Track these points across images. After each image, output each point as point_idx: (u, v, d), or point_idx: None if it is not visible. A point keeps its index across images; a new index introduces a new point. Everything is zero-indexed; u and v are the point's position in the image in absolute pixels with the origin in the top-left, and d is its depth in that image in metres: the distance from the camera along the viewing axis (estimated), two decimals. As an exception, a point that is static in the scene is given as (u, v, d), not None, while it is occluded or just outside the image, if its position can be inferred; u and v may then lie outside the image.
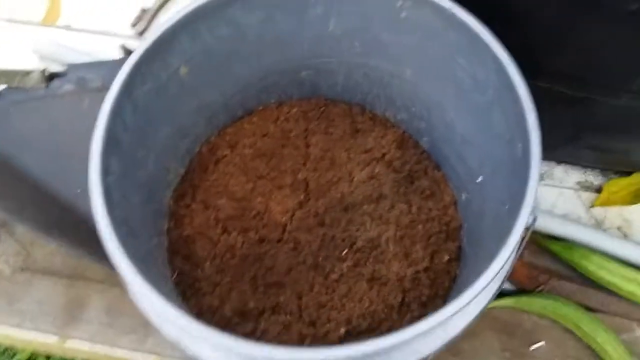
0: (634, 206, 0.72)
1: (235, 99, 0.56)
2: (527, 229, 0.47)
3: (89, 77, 0.75)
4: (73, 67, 0.75)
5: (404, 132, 0.58)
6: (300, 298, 0.49)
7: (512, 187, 0.41)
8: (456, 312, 0.34)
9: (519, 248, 0.44)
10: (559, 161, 0.75)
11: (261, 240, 0.52)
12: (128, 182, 0.43)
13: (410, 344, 0.36)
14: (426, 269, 0.51)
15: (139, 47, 0.43)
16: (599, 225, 0.72)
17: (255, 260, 0.51)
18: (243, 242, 0.52)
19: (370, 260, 0.51)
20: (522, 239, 0.45)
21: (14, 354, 0.93)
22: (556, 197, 0.74)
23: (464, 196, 0.54)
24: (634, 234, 0.71)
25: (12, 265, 0.71)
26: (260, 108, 0.59)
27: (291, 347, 0.32)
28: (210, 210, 0.54)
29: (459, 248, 0.53)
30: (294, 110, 0.59)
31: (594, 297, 0.67)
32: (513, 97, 0.41)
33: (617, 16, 0.41)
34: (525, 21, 0.48)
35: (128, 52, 0.72)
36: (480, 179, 0.49)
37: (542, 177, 0.75)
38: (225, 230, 0.52)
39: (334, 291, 0.50)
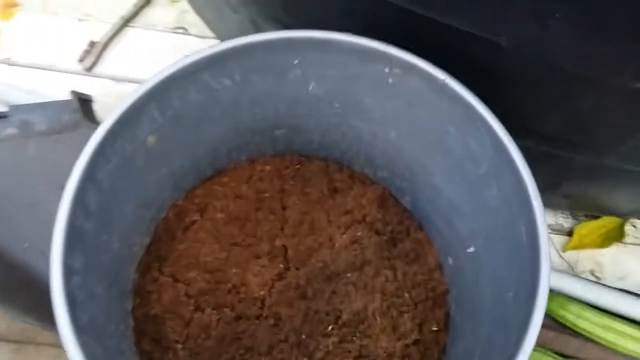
0: (604, 249, 0.73)
1: (204, 160, 0.52)
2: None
3: (34, 119, 0.68)
4: (16, 109, 0.69)
5: (384, 189, 0.56)
6: (284, 383, 0.46)
7: (517, 273, 0.38)
8: None
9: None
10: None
11: (238, 317, 0.48)
12: (92, 275, 0.38)
13: None
14: (415, 342, 0.49)
15: (102, 125, 0.38)
16: (571, 268, 0.72)
17: (232, 340, 0.47)
18: (218, 320, 0.47)
19: (357, 335, 0.48)
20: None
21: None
22: (528, 241, 0.73)
23: (451, 260, 0.52)
24: (606, 277, 0.72)
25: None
26: (232, 167, 0.54)
27: None
28: (180, 285, 0.49)
29: (447, 315, 0.51)
30: (268, 168, 0.55)
31: (572, 344, 0.67)
32: (514, 178, 0.39)
33: (618, 91, 0.40)
34: (508, 84, 0.47)
35: (79, 96, 0.66)
36: (471, 249, 0.47)
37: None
38: (198, 308, 0.48)
39: (319, 372, 0.47)
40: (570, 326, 0.67)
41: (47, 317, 0.57)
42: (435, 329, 0.50)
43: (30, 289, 0.61)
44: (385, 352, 0.48)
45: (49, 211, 0.65)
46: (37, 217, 0.65)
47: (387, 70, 0.43)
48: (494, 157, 0.41)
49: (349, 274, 0.51)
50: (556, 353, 0.66)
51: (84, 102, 0.66)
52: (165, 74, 0.40)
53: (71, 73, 0.79)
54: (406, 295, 0.51)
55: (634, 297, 0.68)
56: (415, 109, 0.45)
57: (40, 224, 0.64)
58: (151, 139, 0.43)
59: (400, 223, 0.55)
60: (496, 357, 0.37)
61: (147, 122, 0.41)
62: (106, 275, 0.42)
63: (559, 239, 0.74)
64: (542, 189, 0.66)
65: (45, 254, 0.61)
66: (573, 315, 0.66)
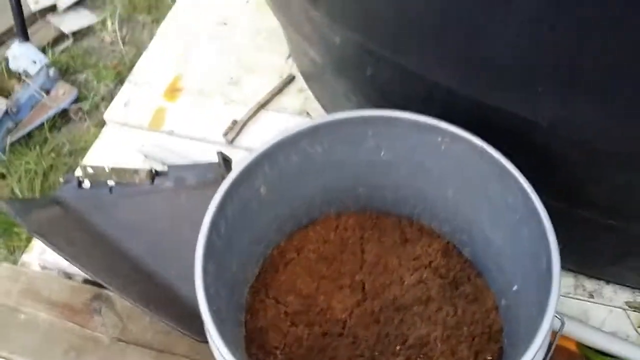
0: None
1: (301, 210, 0.67)
2: (555, 332, 0.54)
3: (186, 176, 0.89)
4: (173, 168, 0.90)
5: (448, 242, 0.67)
6: (357, 387, 0.57)
7: (539, 295, 0.48)
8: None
9: (548, 351, 0.50)
10: (608, 281, 0.81)
11: (324, 334, 0.60)
12: (219, 281, 0.53)
13: None
14: (470, 366, 0.58)
15: (232, 173, 0.55)
16: None
17: (319, 351, 0.59)
18: (309, 335, 0.60)
19: (421, 356, 0.58)
20: (551, 343, 0.52)
21: None
22: (606, 315, 0.78)
23: (503, 302, 0.61)
24: None
25: (110, 336, 0.82)
26: (322, 217, 0.69)
27: None
28: (280, 306, 0.63)
29: (501, 349, 0.60)
30: (351, 220, 0.69)
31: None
32: (536, 220, 0.49)
33: None
34: (553, 163, 0.57)
35: (223, 157, 0.86)
36: (515, 287, 0.57)
37: (592, 295, 0.80)
38: (293, 324, 0.61)
39: (387, 383, 0.57)
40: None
41: (185, 325, 0.74)
42: (489, 358, 0.59)
43: (173, 304, 0.78)
44: (443, 372, 0.57)
45: (192, 248, 0.83)
46: (182, 251, 0.83)
47: (439, 139, 0.57)
48: (522, 206, 0.52)
49: (415, 307, 0.62)
50: None
51: (225, 162, 0.85)
52: (276, 140, 0.56)
53: (217, 144, 1.00)
54: (465, 328, 0.61)
55: None
56: (465, 170, 0.58)
57: (185, 257, 0.82)
58: (263, 189, 0.59)
59: (461, 270, 0.65)
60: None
61: (260, 176, 0.58)
62: (227, 287, 0.56)
63: (636, 316, 0.78)
64: (609, 262, 0.74)
65: (186, 280, 0.79)
66: None
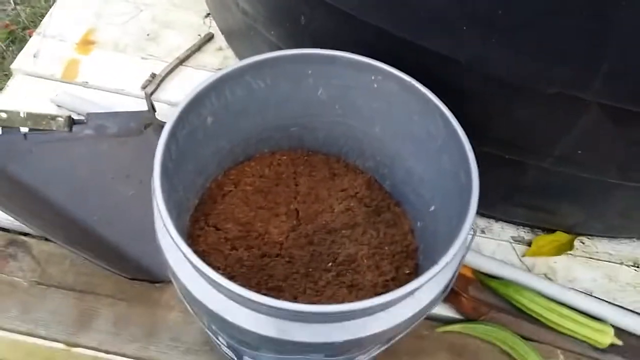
0: (557, 257, 0.90)
1: (239, 147, 0.71)
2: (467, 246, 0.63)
3: (107, 124, 0.89)
4: (92, 116, 0.90)
5: (370, 177, 0.75)
6: (295, 298, 0.62)
7: (459, 207, 0.57)
8: (414, 290, 0.49)
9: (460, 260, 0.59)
10: (497, 219, 0.93)
11: (263, 255, 0.65)
12: (171, 200, 0.56)
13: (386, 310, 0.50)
14: (393, 279, 0.66)
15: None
16: (529, 270, 0.89)
17: (259, 269, 0.64)
18: (249, 256, 0.65)
19: (350, 271, 0.65)
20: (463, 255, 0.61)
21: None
22: (495, 247, 0.91)
23: (419, 224, 0.70)
24: (558, 280, 0.88)
25: (28, 279, 0.81)
26: (258, 155, 0.74)
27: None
28: (220, 232, 0.67)
29: (416, 265, 0.68)
30: (284, 157, 0.74)
31: (526, 327, 0.83)
32: (457, 142, 0.58)
33: (539, 97, 0.59)
34: (469, 98, 0.66)
35: (151, 103, 0.87)
36: (432, 208, 0.66)
37: (483, 231, 0.93)
38: (233, 247, 0.65)
39: (321, 294, 0.63)
40: (524, 309, 0.83)
41: (111, 264, 0.75)
42: (407, 272, 0.67)
43: (99, 246, 0.79)
44: (370, 284, 0.65)
45: (115, 194, 0.84)
46: (106, 198, 0.84)
47: (372, 78, 0.64)
48: (445, 134, 0.60)
49: (344, 231, 0.69)
50: (514, 333, 0.82)
51: (153, 109, 0.87)
52: (223, 72, 0.60)
53: (135, 97, 1.00)
54: (386, 248, 0.68)
55: (575, 291, 0.85)
56: (393, 106, 0.65)
57: (108, 203, 0.83)
58: (209, 119, 0.63)
59: (382, 200, 0.73)
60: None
61: (208, 105, 0.61)
62: (175, 207, 0.59)
63: (520, 248, 0.92)
64: (500, 199, 0.85)
65: (110, 224, 0.80)
66: (526, 299, 0.83)
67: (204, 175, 0.68)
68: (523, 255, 0.90)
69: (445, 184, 0.62)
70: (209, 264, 0.63)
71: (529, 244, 0.91)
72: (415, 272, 0.68)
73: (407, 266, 0.68)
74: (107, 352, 0.78)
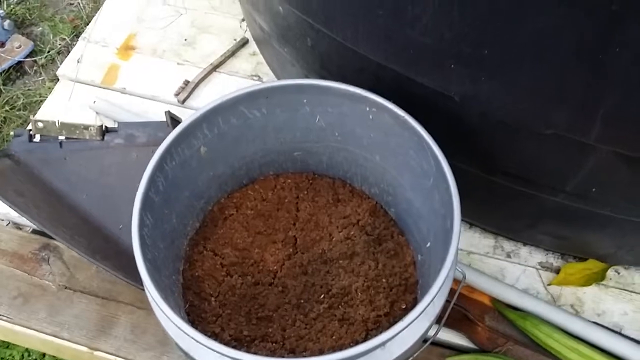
0: (586, 288, 0.84)
1: (241, 171, 0.71)
2: (459, 281, 0.61)
3: (137, 134, 0.92)
4: (123, 125, 0.93)
5: (376, 203, 0.73)
6: (284, 330, 0.63)
7: (444, 251, 0.54)
8: (389, 339, 0.48)
9: (449, 300, 0.57)
10: (524, 243, 0.88)
11: (256, 283, 0.66)
12: (157, 232, 0.58)
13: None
14: (386, 314, 0.64)
15: (171, 134, 0.59)
16: (554, 301, 0.83)
17: (250, 298, 0.65)
18: (242, 284, 0.66)
19: (342, 304, 0.65)
20: (454, 291, 0.59)
21: None
22: (520, 273, 0.86)
23: (419, 257, 0.68)
24: (585, 312, 0.82)
25: (57, 283, 0.86)
26: (262, 178, 0.74)
27: None
28: (217, 257, 0.68)
29: (415, 299, 0.66)
30: (288, 181, 0.74)
31: (544, 362, 0.79)
32: (445, 184, 0.55)
33: (540, 136, 0.55)
34: (470, 131, 0.63)
35: (171, 117, 0.89)
36: (428, 244, 0.63)
37: (509, 255, 0.88)
38: (228, 274, 0.66)
39: (311, 327, 0.63)
40: (541, 344, 0.79)
41: (130, 276, 0.78)
42: (403, 307, 0.65)
43: (121, 256, 0.83)
44: (361, 318, 0.64)
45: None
46: (130, 206, 0.87)
47: (367, 109, 0.62)
48: (435, 172, 0.58)
49: (341, 261, 0.68)
50: None
51: (174, 122, 0.89)
52: (214, 103, 0.60)
53: (168, 104, 1.03)
54: (384, 280, 0.67)
55: (601, 327, 0.79)
56: (390, 138, 0.63)
57: (132, 212, 0.86)
58: (202, 149, 0.64)
59: (386, 228, 0.71)
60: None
61: (200, 136, 0.62)
62: (165, 238, 0.61)
63: (547, 275, 0.86)
64: (525, 227, 0.81)
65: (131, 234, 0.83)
66: (544, 335, 0.78)
67: (204, 199, 0.69)
68: (549, 284, 0.85)
69: (437, 222, 0.60)
70: (203, 290, 0.65)
71: (558, 271, 0.86)
72: (413, 307, 0.66)
73: (404, 301, 0.66)
74: (125, 358, 0.82)
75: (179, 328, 0.48)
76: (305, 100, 0.63)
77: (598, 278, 0.84)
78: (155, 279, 0.52)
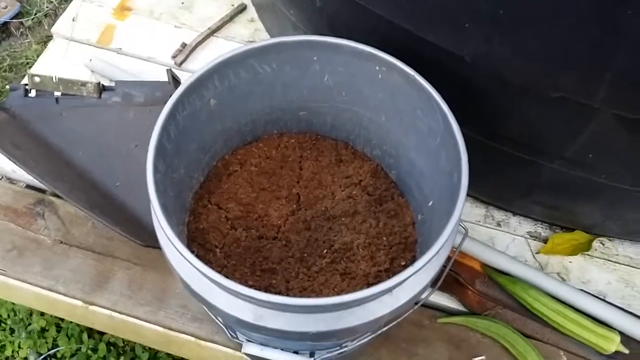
0: (572, 257, 0.88)
1: (247, 127, 0.72)
2: (454, 249, 0.63)
3: (134, 93, 0.92)
4: (120, 83, 0.93)
5: (377, 165, 0.74)
6: (288, 282, 0.64)
7: (450, 206, 0.56)
8: (397, 285, 0.49)
9: (449, 258, 0.59)
10: (515, 213, 0.91)
11: (260, 237, 0.67)
12: (167, 180, 0.58)
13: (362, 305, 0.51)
14: (386, 270, 0.66)
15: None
16: (542, 269, 0.86)
17: (255, 251, 0.66)
18: (246, 237, 0.67)
19: (344, 259, 0.66)
20: (450, 257, 0.61)
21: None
22: (509, 242, 0.89)
23: (419, 217, 0.69)
24: (571, 280, 0.86)
25: (52, 238, 0.86)
26: (266, 136, 0.75)
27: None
28: (221, 211, 0.68)
29: (413, 257, 0.68)
30: (292, 140, 0.75)
31: (531, 326, 0.82)
32: (453, 142, 0.57)
33: (544, 99, 0.57)
34: (476, 94, 0.65)
35: (172, 76, 0.89)
36: (430, 203, 0.65)
37: (499, 224, 0.91)
38: (232, 227, 0.67)
39: (314, 280, 0.65)
40: (529, 307, 0.82)
41: (127, 231, 0.78)
42: (403, 264, 0.67)
43: (118, 212, 0.83)
44: (362, 273, 0.65)
45: (138, 162, 0.87)
46: (128, 165, 0.87)
47: (377, 68, 0.63)
48: (443, 130, 0.59)
49: (343, 218, 0.69)
50: (517, 331, 0.81)
51: (175, 81, 0.89)
52: (226, 55, 0.61)
53: (165, 65, 1.02)
54: (384, 238, 0.69)
55: (585, 294, 0.82)
56: (397, 98, 0.64)
57: (131, 170, 0.86)
58: (212, 102, 0.64)
59: (387, 189, 0.73)
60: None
61: (211, 88, 0.62)
62: (174, 188, 0.62)
63: (535, 244, 0.90)
64: (518, 195, 0.83)
65: (132, 191, 0.84)
66: (532, 299, 0.82)
67: (209, 153, 0.70)
68: (537, 252, 0.88)
69: (442, 180, 0.61)
70: (208, 241, 0.66)
71: (545, 240, 0.89)
72: (412, 264, 0.68)
73: (403, 258, 0.68)
74: (120, 312, 0.82)
75: (195, 267, 0.48)
76: (315, 58, 0.64)
77: (584, 248, 0.87)
78: (169, 222, 0.52)
